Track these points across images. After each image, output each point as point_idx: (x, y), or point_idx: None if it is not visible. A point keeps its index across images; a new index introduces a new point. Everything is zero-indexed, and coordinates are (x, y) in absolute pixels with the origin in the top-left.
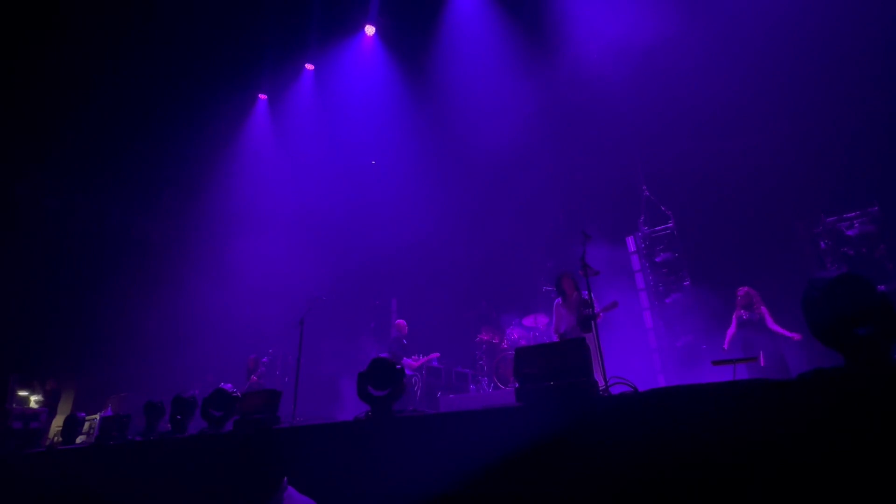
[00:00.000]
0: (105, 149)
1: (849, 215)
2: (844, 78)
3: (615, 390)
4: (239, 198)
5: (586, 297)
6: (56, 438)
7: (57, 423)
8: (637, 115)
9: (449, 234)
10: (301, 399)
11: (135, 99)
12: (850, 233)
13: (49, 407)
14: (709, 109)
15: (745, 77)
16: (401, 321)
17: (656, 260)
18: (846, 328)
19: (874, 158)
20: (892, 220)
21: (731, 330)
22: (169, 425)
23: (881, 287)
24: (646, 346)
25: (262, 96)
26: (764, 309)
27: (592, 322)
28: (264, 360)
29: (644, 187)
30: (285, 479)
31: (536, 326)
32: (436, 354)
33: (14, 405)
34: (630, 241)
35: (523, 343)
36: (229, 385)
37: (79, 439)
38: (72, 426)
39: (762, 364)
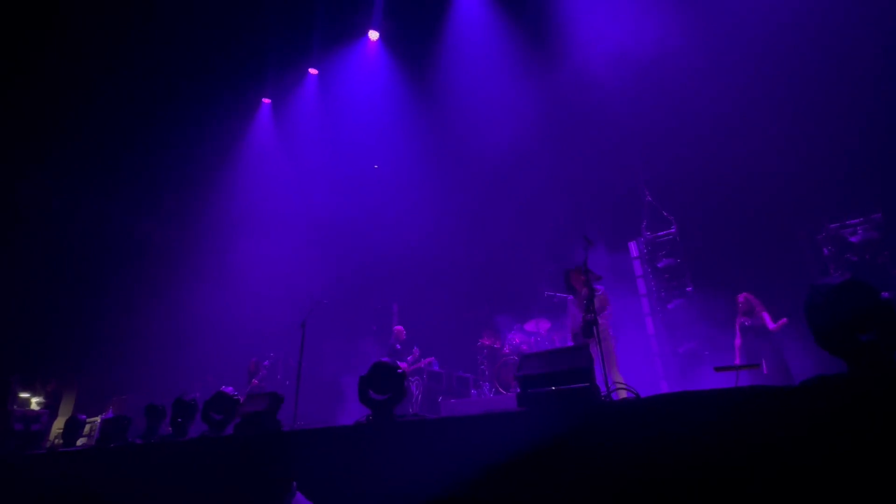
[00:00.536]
0: (109, 150)
1: (852, 221)
2: (847, 84)
3: (617, 396)
4: (242, 200)
5: (588, 302)
6: (57, 440)
7: (58, 424)
8: (639, 120)
9: (451, 238)
10: (302, 402)
11: (139, 100)
12: (853, 239)
13: (50, 408)
14: (711, 115)
15: (748, 82)
16: (398, 327)
17: (658, 265)
18: (849, 335)
19: (877, 165)
20: (895, 226)
21: (738, 341)
22: (170, 428)
23: (884, 294)
24: (648, 352)
25: (266, 100)
26: (765, 314)
27: (595, 328)
28: (265, 362)
29: (646, 192)
30: (294, 483)
31: (538, 331)
32: (430, 359)
33: (15, 406)
34: (632, 246)
35: (524, 348)
36: (230, 388)
37: (79, 441)
38: (73, 428)
39: (765, 371)
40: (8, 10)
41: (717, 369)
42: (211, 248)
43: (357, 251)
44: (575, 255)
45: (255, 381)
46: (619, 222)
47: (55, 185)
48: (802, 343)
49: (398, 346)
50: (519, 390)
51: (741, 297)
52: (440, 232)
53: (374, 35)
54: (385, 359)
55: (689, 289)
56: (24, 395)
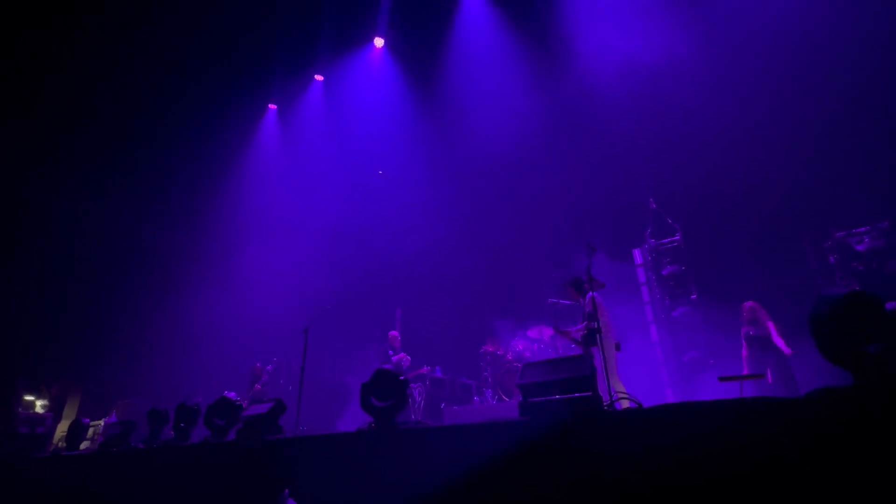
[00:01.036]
0: (115, 155)
1: (858, 230)
2: (854, 92)
3: (620, 406)
4: (247, 206)
5: (590, 310)
6: (61, 443)
7: (62, 428)
8: (644, 127)
9: (454, 245)
10: (305, 408)
11: (146, 106)
12: (859, 248)
13: (55, 412)
14: (717, 122)
15: (754, 90)
16: (393, 333)
17: (663, 273)
18: (855, 346)
19: (884, 173)
20: None
21: (745, 351)
22: (172, 432)
23: (891, 304)
24: (652, 360)
25: (272, 106)
26: (770, 324)
27: (598, 336)
28: (269, 368)
29: (651, 199)
30: (286, 490)
31: (541, 338)
32: (426, 369)
33: (20, 409)
34: (636, 253)
35: (528, 355)
36: (233, 393)
37: (83, 445)
38: (76, 432)
39: (770, 381)
40: (16, 12)
41: (722, 379)
42: (215, 253)
43: (361, 257)
44: (578, 262)
45: (257, 386)
46: (623, 229)
47: (61, 189)
48: (808, 354)
49: (390, 352)
50: (521, 398)
51: (746, 306)
52: (444, 238)
53: (379, 42)
54: (388, 366)
55: (693, 297)
56: (28, 398)
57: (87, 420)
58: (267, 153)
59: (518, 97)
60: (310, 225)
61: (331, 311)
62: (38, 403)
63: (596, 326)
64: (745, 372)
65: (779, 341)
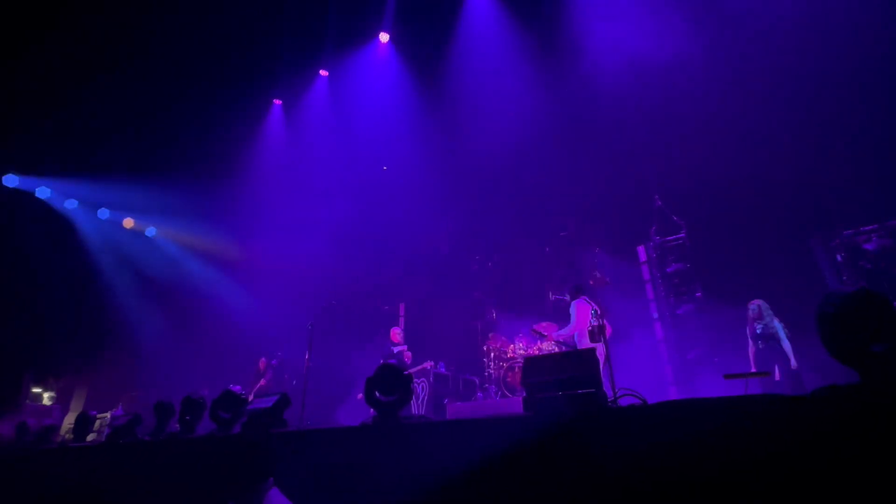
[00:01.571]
0: (118, 153)
1: (866, 228)
2: (863, 89)
3: (624, 402)
4: (252, 201)
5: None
6: (68, 435)
7: (69, 420)
8: (651, 125)
9: (459, 241)
10: (309, 403)
11: (148, 103)
12: (867, 246)
13: (62, 404)
14: (724, 119)
15: (762, 87)
16: (395, 328)
17: (668, 270)
18: (861, 345)
19: (893, 171)
20: None
21: (752, 349)
22: (178, 425)
23: None
24: (656, 358)
25: (277, 101)
26: (778, 322)
27: (602, 333)
28: (273, 362)
29: (656, 196)
30: (271, 479)
31: (545, 334)
32: (429, 365)
33: (28, 401)
34: (641, 250)
35: (531, 351)
36: (238, 387)
37: (89, 437)
38: (83, 424)
39: (777, 379)
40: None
41: (728, 376)
42: (220, 249)
43: (366, 252)
44: (582, 259)
45: (262, 381)
46: (628, 226)
47: (65, 185)
48: (815, 352)
49: (393, 349)
50: (525, 394)
51: (752, 304)
52: (448, 234)
53: (384, 37)
54: (392, 361)
55: (698, 294)
56: (36, 390)
57: (95, 412)
58: (271, 149)
59: (523, 94)
60: (314, 220)
61: (335, 306)
62: (46, 396)
63: (599, 323)
64: (752, 370)
65: (786, 345)
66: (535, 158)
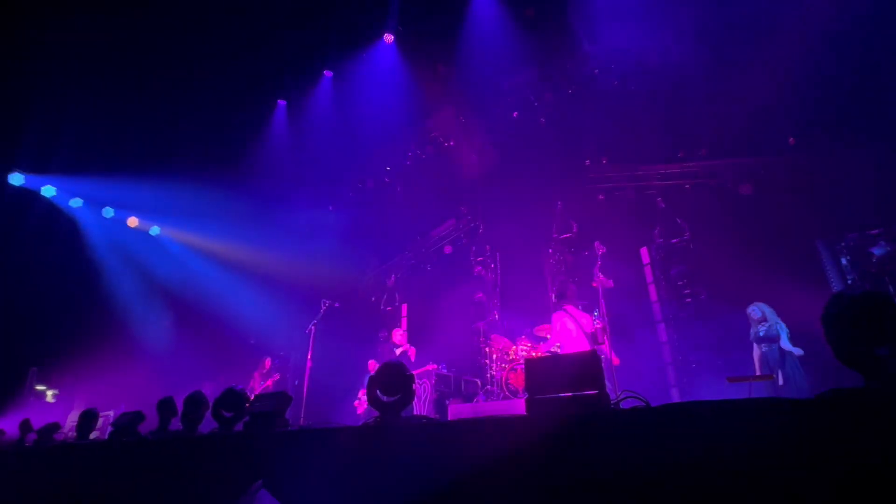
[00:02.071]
0: (121, 152)
1: (872, 232)
2: (868, 90)
3: (626, 404)
4: (256, 200)
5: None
6: (70, 433)
7: (72, 417)
8: (654, 124)
9: (460, 241)
10: (310, 402)
11: (152, 103)
12: (872, 249)
13: (65, 402)
14: (728, 120)
15: (766, 88)
16: (397, 329)
17: (671, 272)
18: (866, 348)
19: None
20: None
21: (755, 352)
22: (181, 424)
23: None
24: (659, 360)
25: (282, 101)
26: (781, 325)
27: (606, 336)
28: (276, 362)
29: (659, 199)
30: (260, 482)
31: (547, 336)
32: (432, 366)
33: (32, 399)
34: (644, 252)
35: (533, 353)
36: (240, 386)
37: (92, 435)
38: (87, 421)
39: (780, 382)
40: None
41: (731, 380)
42: (224, 248)
43: (368, 252)
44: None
45: (267, 382)
46: (630, 228)
47: (71, 183)
48: (819, 355)
49: (396, 350)
50: (527, 395)
51: (754, 307)
52: (449, 234)
53: (389, 38)
54: (394, 360)
55: (702, 296)
56: (40, 387)
57: (98, 410)
58: (276, 149)
59: (527, 93)
60: (318, 220)
61: (338, 307)
62: (50, 393)
63: (602, 326)
64: (756, 373)
65: (787, 346)
66: (538, 158)
